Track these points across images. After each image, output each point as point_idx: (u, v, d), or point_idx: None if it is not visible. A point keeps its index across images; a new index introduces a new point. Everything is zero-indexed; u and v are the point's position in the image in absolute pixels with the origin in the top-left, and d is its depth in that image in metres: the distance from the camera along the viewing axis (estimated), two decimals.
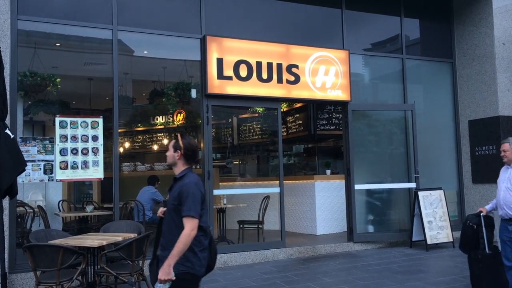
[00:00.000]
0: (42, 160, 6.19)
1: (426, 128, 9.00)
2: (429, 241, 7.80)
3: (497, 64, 8.56)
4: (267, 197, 8.21)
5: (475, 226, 4.95)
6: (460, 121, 9.29)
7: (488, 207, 5.00)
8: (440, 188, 8.27)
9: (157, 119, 12.74)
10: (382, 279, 5.95)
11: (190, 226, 3.00)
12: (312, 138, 11.33)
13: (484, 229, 4.89)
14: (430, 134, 9.13)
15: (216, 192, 7.41)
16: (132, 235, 5.07)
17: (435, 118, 9.38)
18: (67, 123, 6.34)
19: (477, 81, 8.94)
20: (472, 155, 8.99)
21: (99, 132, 6.48)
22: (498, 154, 8.38)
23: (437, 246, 7.94)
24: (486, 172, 8.67)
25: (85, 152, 6.37)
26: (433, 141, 9.16)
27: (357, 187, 8.05)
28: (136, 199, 7.85)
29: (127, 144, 12.95)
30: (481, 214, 4.96)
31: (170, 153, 3.28)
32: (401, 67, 8.94)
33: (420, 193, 8.04)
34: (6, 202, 5.70)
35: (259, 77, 7.39)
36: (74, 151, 6.32)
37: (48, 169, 6.20)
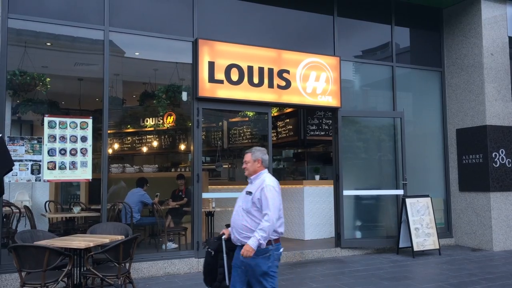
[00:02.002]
0: (30, 160, 6.14)
1: (415, 135, 9.09)
2: (415, 248, 7.86)
3: (485, 74, 8.68)
4: None
5: (213, 252, 3.99)
6: (448, 130, 9.40)
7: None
8: (427, 196, 8.35)
9: (147, 121, 12.70)
10: (369, 285, 5.98)
11: None
12: (302, 143, 11.37)
13: (224, 255, 3.94)
14: (419, 142, 9.22)
15: (204, 195, 7.40)
16: (120, 237, 5.04)
17: (424, 126, 9.47)
18: (56, 123, 6.29)
19: (465, 90, 9.05)
20: (459, 163, 9.09)
21: (88, 133, 6.44)
22: (485, 163, 8.53)
23: (423, 253, 8.00)
24: (473, 180, 8.77)
25: (73, 152, 6.33)
26: (421, 149, 9.25)
27: (346, 193, 8.09)
28: (124, 201, 7.80)
29: (116, 146, 12.88)
30: (223, 237, 3.99)
31: None
32: (391, 75, 9.02)
33: (408, 200, 8.10)
34: None
35: (250, 82, 7.40)
36: (63, 152, 6.27)
37: (36, 169, 6.15)
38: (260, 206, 3.77)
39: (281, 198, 3.93)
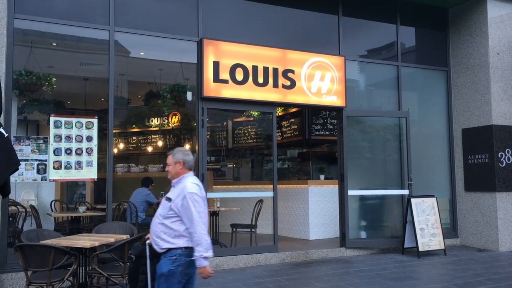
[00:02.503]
0: (36, 160, 6.17)
1: (420, 135, 9.06)
2: (421, 248, 7.83)
3: (491, 74, 8.63)
4: (260, 201, 8.21)
5: (134, 258, 3.75)
6: (454, 129, 9.35)
7: None
8: (432, 196, 8.31)
9: (152, 121, 12.73)
10: (374, 285, 5.97)
11: None
12: (307, 143, 11.36)
13: (148, 261, 3.63)
14: (424, 141, 9.19)
15: (209, 195, 7.40)
16: (125, 237, 5.05)
17: (429, 125, 9.43)
18: (61, 123, 6.32)
19: (471, 90, 9.01)
20: (465, 163, 9.05)
21: (94, 132, 6.47)
22: (491, 163, 8.49)
23: (428, 253, 7.97)
24: (479, 180, 8.73)
25: (79, 152, 6.36)
26: (426, 149, 9.21)
27: (351, 192, 8.07)
28: (130, 200, 7.83)
29: (121, 145, 12.92)
30: (147, 242, 3.69)
31: None
32: (396, 74, 8.99)
33: (413, 200, 8.07)
34: None
35: (255, 81, 7.41)
36: (68, 151, 6.30)
37: (42, 169, 6.18)
38: (179, 215, 3.46)
39: (206, 203, 3.57)
